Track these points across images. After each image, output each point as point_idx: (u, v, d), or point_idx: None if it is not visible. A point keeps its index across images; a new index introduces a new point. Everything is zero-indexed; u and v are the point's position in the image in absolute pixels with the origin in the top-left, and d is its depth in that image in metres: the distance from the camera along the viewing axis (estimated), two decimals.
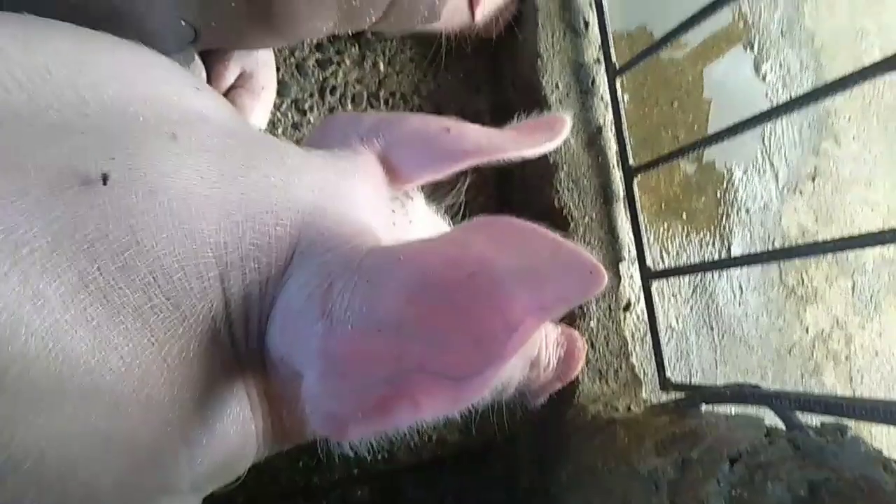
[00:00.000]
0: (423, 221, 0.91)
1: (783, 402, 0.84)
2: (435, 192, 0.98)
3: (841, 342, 1.83)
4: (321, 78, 1.28)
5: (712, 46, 1.83)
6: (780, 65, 1.89)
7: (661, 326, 1.22)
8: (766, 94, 1.88)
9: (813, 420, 0.87)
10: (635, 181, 1.25)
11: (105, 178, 0.59)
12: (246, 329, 0.70)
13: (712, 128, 1.75)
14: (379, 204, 0.84)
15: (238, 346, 0.71)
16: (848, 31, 1.97)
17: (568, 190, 1.25)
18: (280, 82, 1.24)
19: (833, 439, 0.77)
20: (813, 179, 1.88)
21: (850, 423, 0.80)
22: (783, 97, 1.89)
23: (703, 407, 1.02)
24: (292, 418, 0.87)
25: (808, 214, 1.85)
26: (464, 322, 0.59)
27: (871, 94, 1.98)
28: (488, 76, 1.38)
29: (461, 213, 1.23)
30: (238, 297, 0.67)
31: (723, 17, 1.84)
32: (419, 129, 0.86)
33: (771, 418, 0.91)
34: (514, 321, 0.57)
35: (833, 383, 1.80)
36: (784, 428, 0.86)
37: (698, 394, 1.00)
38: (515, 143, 0.88)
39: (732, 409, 1.02)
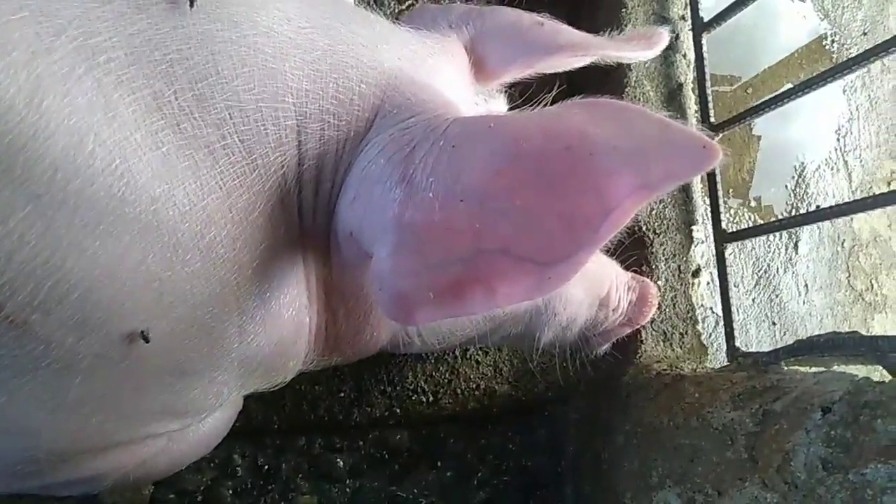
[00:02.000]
0: None
1: (889, 345, 0.75)
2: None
3: None
4: (397, 11, 1.25)
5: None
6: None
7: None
8: (844, 91, 1.81)
9: None
10: (716, 139, 1.19)
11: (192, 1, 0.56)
12: (316, 195, 0.65)
13: (787, 125, 1.68)
14: (464, 89, 0.79)
15: (305, 215, 0.66)
16: None
17: None
18: None
19: None
20: (888, 184, 1.79)
21: None
22: (862, 97, 1.82)
23: (785, 368, 0.94)
24: (349, 320, 0.81)
25: (882, 219, 1.75)
26: (556, 199, 0.53)
27: None
28: (567, 23, 1.34)
29: None
30: (313, 155, 0.63)
31: (804, 10, 1.78)
32: (512, 21, 0.82)
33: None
34: (611, 200, 0.51)
35: None
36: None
37: (782, 350, 0.92)
38: (611, 46, 0.83)
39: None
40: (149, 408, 0.66)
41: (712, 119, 1.20)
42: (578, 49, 0.80)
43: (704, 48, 1.22)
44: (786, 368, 0.93)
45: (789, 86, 1.61)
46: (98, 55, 0.50)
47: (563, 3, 1.34)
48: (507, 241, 0.54)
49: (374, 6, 1.25)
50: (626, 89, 1.20)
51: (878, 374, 0.85)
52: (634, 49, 0.84)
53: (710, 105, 1.21)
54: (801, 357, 0.89)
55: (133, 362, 0.57)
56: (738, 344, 1.25)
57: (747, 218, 1.59)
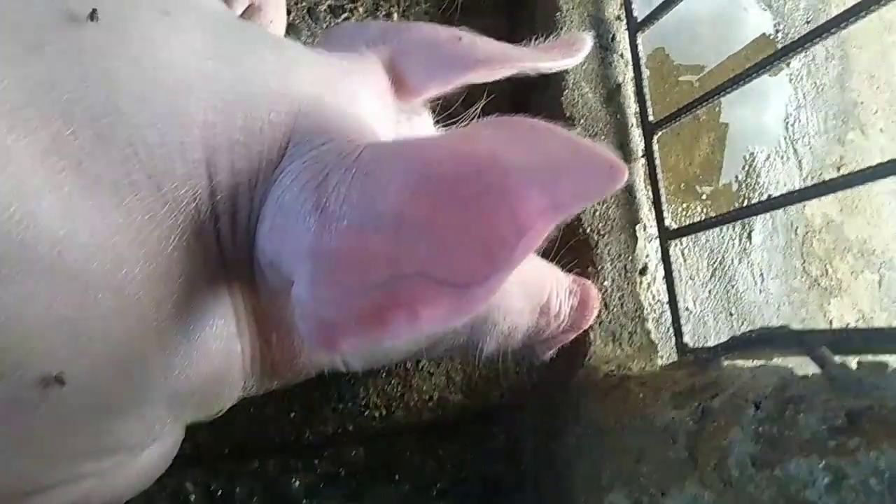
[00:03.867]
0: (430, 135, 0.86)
1: (815, 339, 0.77)
2: (445, 128, 0.93)
3: None
4: (333, 24, 1.25)
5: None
6: (805, 53, 1.84)
7: (679, 309, 1.15)
8: (790, 80, 1.83)
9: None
10: (655, 138, 1.20)
11: (93, 15, 0.55)
12: (233, 226, 0.65)
13: (733, 111, 1.70)
14: (382, 110, 0.79)
15: (224, 246, 0.65)
16: (875, 23, 1.93)
17: None
18: (291, 25, 1.20)
19: (873, 373, 0.70)
20: (838, 169, 1.82)
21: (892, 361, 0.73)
22: (808, 85, 1.84)
23: (724, 363, 0.95)
24: (283, 345, 0.81)
25: (833, 204, 1.78)
26: (470, 222, 0.54)
27: None
28: (505, 30, 1.34)
29: None
30: (225, 187, 0.62)
31: (747, 3, 1.81)
32: (429, 37, 0.82)
33: (801, 373, 0.84)
34: (524, 222, 0.51)
35: None
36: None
37: (720, 347, 0.93)
38: (532, 57, 0.83)
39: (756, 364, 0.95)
40: (75, 448, 0.65)
41: (651, 118, 1.21)
42: (497, 63, 0.80)
43: (640, 48, 1.23)
44: (725, 364, 0.94)
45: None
46: None
47: (500, 9, 1.34)
48: (425, 265, 0.54)
49: (311, 21, 1.25)
50: (565, 92, 1.20)
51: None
52: (556, 58, 0.84)
53: (648, 103, 1.22)
54: (738, 353, 0.90)
55: (51, 405, 0.56)
56: (692, 337, 1.26)
57: (699, 211, 1.61)
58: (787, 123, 1.78)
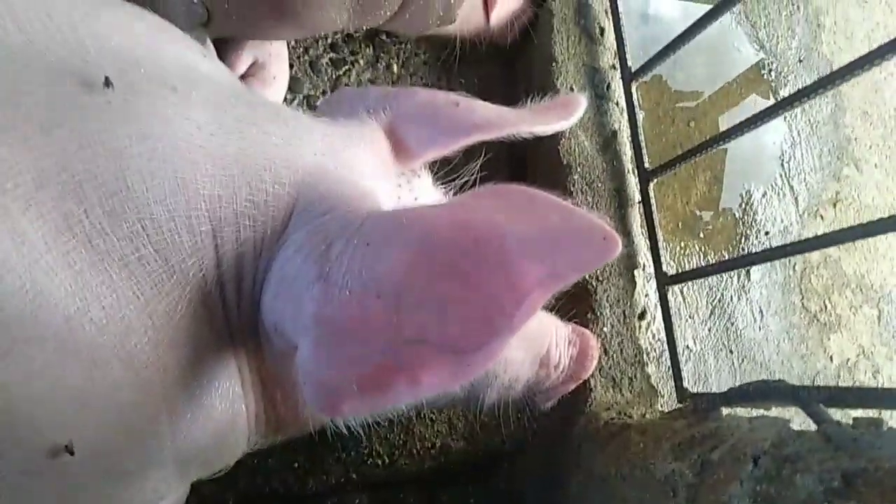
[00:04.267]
0: (430, 198, 0.88)
1: (811, 396, 0.78)
2: (444, 184, 0.95)
3: (868, 373, 1.75)
4: (334, 76, 1.28)
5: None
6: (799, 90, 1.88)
7: (679, 347, 1.16)
8: (784, 119, 1.86)
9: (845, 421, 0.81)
10: (651, 185, 1.22)
11: (107, 83, 0.58)
12: (238, 293, 0.67)
13: (729, 150, 1.72)
14: (383, 176, 0.81)
15: (230, 311, 0.67)
16: None
17: (582, 192, 1.21)
18: (293, 78, 1.23)
19: (868, 432, 0.71)
20: (834, 205, 1.84)
21: (887, 417, 0.74)
22: (802, 122, 1.87)
23: (724, 411, 0.96)
24: (287, 403, 0.82)
25: None
26: (468, 290, 0.56)
27: (893, 125, 1.96)
28: (502, 80, 1.38)
29: None
30: (231, 257, 0.64)
31: (739, 42, 1.84)
32: (427, 103, 0.84)
33: (799, 421, 0.85)
34: (522, 290, 0.53)
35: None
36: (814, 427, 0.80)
37: (718, 397, 0.94)
38: (527, 120, 0.85)
39: (755, 414, 0.96)
40: None
41: (647, 165, 1.23)
42: (494, 128, 0.82)
43: (635, 96, 1.26)
44: (725, 413, 0.95)
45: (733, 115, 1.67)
46: (4, 182, 0.52)
47: (498, 59, 1.37)
48: (426, 333, 0.55)
49: (312, 74, 1.28)
50: (562, 140, 1.23)
51: None
52: (551, 120, 0.87)
53: (644, 151, 1.24)
54: (736, 404, 0.91)
55: (60, 473, 0.58)
56: (693, 375, 1.27)
57: (697, 249, 1.63)
58: (783, 160, 1.81)
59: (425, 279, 0.57)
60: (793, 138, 1.83)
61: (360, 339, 0.58)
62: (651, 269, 1.23)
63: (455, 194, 0.94)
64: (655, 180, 1.23)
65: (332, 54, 1.28)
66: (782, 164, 1.80)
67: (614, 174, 1.26)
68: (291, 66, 1.23)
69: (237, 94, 0.75)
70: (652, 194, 1.22)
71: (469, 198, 0.69)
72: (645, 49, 1.56)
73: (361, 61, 1.30)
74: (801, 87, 1.85)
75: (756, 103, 1.84)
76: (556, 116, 0.87)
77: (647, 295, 1.24)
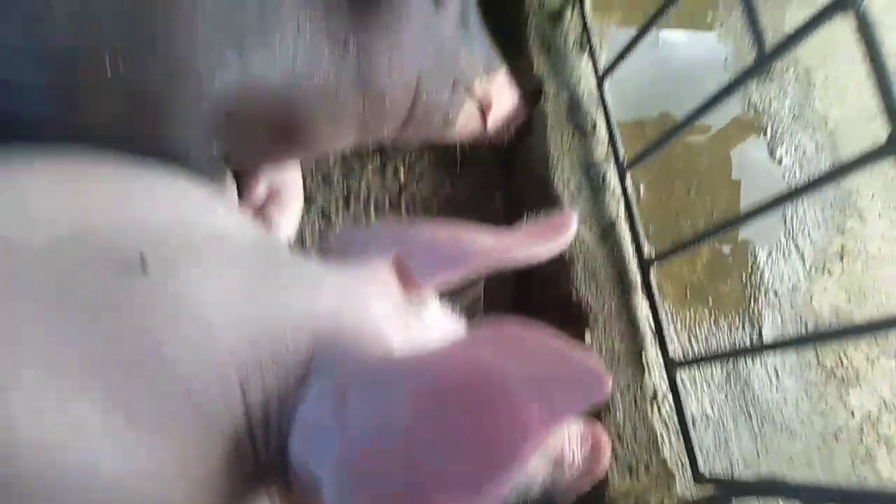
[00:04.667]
0: (438, 325, 0.95)
1: (817, 495, 0.82)
2: (455, 291, 1.02)
3: (892, 427, 1.75)
4: (345, 186, 1.37)
5: (725, 134, 1.90)
6: (796, 148, 1.93)
7: (696, 414, 1.20)
8: (784, 177, 1.91)
9: None
10: (652, 273, 1.28)
11: (143, 265, 0.66)
12: (266, 438, 0.73)
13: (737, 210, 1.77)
14: (394, 311, 0.88)
15: (259, 453, 0.74)
16: (860, 113, 2.01)
17: (585, 283, 1.27)
18: (307, 196, 1.32)
19: None
20: (841, 258, 1.87)
21: None
22: (801, 179, 1.91)
23: (736, 501, 1.00)
24: None
25: (840, 294, 1.82)
26: (475, 431, 0.62)
27: (893, 174, 1.99)
28: (503, 177, 1.45)
29: (482, 306, 1.26)
30: (258, 406, 0.71)
31: (733, 108, 1.91)
32: (430, 237, 0.92)
33: None
34: (527, 429, 0.59)
35: (889, 471, 1.71)
36: None
37: (730, 488, 0.98)
38: (525, 246, 0.92)
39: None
40: None
41: (646, 253, 1.29)
42: (494, 257, 0.89)
43: (629, 187, 1.32)
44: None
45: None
46: (57, 367, 0.60)
47: (497, 157, 1.45)
48: (437, 472, 0.61)
49: (325, 187, 1.37)
50: None
51: None
52: (548, 243, 0.93)
53: (643, 238, 1.30)
54: (746, 496, 0.95)
55: None
56: (714, 442, 1.29)
57: (707, 315, 1.67)
58: (785, 219, 1.85)
59: (433, 423, 0.63)
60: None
61: (378, 481, 0.64)
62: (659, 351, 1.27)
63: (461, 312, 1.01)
64: (655, 267, 1.28)
65: (342, 166, 1.37)
66: (785, 222, 1.85)
67: (616, 262, 1.31)
68: (305, 181, 1.32)
69: (257, 249, 0.82)
70: (654, 281, 1.28)
71: (469, 341, 0.75)
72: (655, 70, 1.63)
73: (370, 170, 1.39)
74: (796, 144, 1.90)
75: (755, 162, 1.90)
76: (552, 235, 0.94)
77: (657, 377, 1.28)
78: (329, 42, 1.01)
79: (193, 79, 0.91)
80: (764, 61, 0.96)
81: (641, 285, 1.29)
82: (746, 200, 1.82)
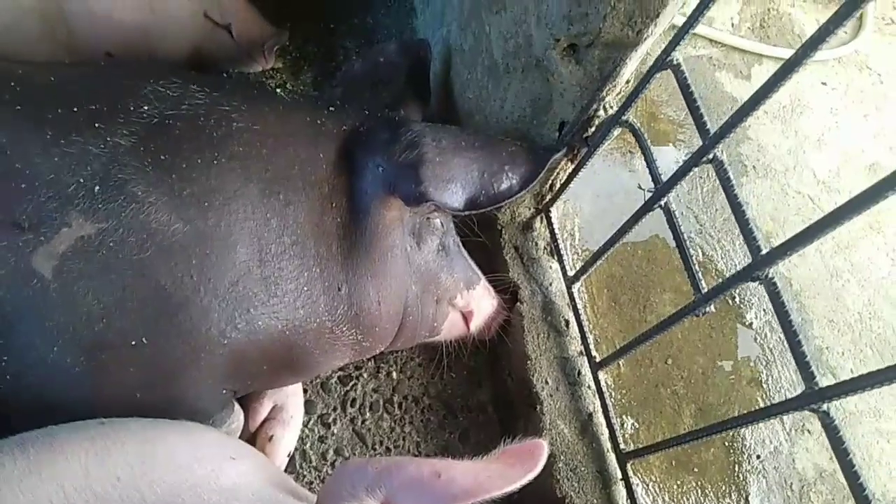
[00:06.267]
0: None
1: None
2: None
3: None
4: (343, 392, 1.49)
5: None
6: (764, 311, 2.06)
7: None
8: (755, 340, 2.03)
9: None
10: (629, 466, 1.37)
11: None
12: None
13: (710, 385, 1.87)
14: None
15: None
16: (822, 273, 2.17)
17: (567, 478, 1.36)
18: (307, 401, 1.45)
19: None
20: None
21: None
22: (773, 340, 2.03)
23: None
24: None
25: (822, 453, 1.89)
26: None
27: (860, 327, 2.11)
28: (488, 372, 1.58)
29: None
30: None
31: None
32: (414, 477, 1.02)
33: None
34: None
35: None
36: None
37: None
38: (501, 482, 1.02)
39: None
40: None
41: (622, 446, 1.39)
42: (472, 497, 1.00)
43: (602, 383, 1.44)
44: None
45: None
46: None
47: (482, 354, 1.59)
48: None
49: (324, 393, 1.50)
50: (543, 432, 1.40)
51: None
52: (522, 474, 1.04)
53: (619, 433, 1.40)
54: None
55: None
56: None
57: (694, 485, 1.73)
58: (760, 381, 1.95)
59: None
60: (766, 358, 1.99)
61: None
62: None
63: None
64: (633, 460, 1.38)
65: (339, 373, 1.51)
66: (760, 385, 1.95)
67: (595, 455, 1.41)
68: (305, 391, 1.45)
69: (260, 499, 0.94)
70: (630, 473, 1.37)
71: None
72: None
73: (365, 374, 1.52)
74: (765, 309, 2.03)
75: (723, 332, 2.03)
76: (525, 469, 1.05)
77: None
78: (325, 290, 1.17)
79: (206, 344, 1.07)
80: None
81: (621, 479, 1.38)
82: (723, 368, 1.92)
